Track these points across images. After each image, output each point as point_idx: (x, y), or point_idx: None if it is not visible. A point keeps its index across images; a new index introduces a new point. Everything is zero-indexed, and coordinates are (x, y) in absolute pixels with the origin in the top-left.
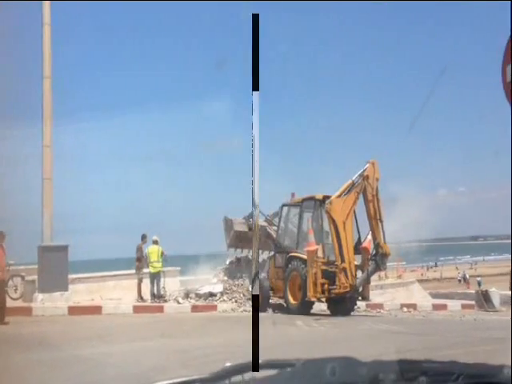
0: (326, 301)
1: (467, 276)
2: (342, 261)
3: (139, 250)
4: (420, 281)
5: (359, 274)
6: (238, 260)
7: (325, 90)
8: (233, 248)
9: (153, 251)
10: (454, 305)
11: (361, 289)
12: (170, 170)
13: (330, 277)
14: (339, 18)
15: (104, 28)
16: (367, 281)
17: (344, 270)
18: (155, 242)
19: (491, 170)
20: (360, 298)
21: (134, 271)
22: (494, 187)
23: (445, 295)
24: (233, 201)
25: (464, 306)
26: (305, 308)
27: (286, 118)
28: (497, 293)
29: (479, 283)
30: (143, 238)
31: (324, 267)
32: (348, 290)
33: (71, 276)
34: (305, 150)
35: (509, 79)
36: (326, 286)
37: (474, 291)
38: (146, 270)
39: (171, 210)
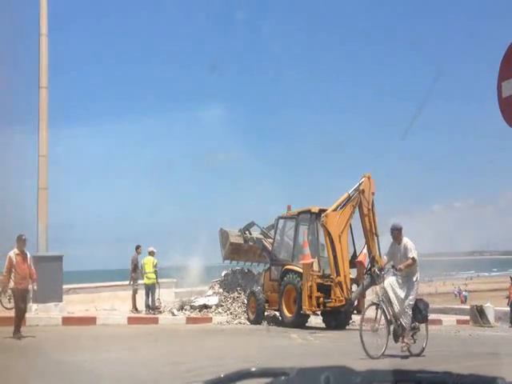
0: (322, 314)
1: (458, 291)
2: (338, 274)
3: (134, 260)
4: None
5: (354, 287)
6: (234, 272)
7: (322, 100)
8: (228, 260)
9: (148, 262)
10: (449, 320)
11: (356, 303)
12: (167, 181)
13: (326, 290)
14: (333, 23)
15: (101, 38)
16: (362, 295)
17: (339, 283)
18: (151, 253)
19: (487, 185)
20: (355, 311)
21: (128, 282)
22: (490, 202)
23: (440, 310)
24: (228, 213)
25: (459, 321)
26: (300, 321)
27: (282, 130)
28: (491, 308)
29: (465, 298)
30: (137, 248)
31: (319, 280)
32: (343, 303)
33: (66, 286)
34: (301, 163)
35: (504, 95)
36: (321, 299)
37: (469, 306)
38: (141, 281)
39: (167, 221)
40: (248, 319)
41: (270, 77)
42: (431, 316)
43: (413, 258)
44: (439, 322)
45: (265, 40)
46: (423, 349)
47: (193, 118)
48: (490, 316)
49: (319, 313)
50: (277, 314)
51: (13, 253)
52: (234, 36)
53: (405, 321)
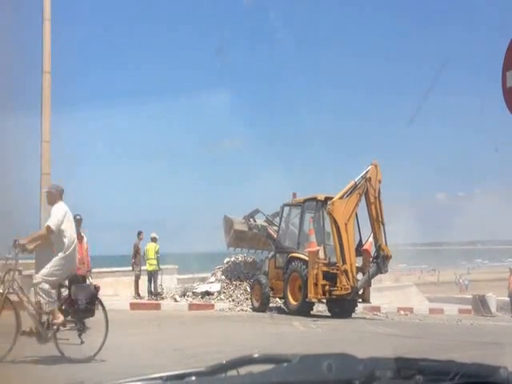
0: (327, 302)
1: (461, 280)
2: (344, 262)
3: (135, 246)
4: (417, 284)
5: (360, 276)
6: (236, 259)
7: (327, 89)
8: (232, 247)
9: (150, 248)
10: (450, 309)
11: (361, 291)
12: (171, 167)
13: (331, 278)
14: (339, 13)
15: (103, 22)
16: (368, 283)
17: (345, 271)
18: (153, 239)
19: (491, 175)
20: (360, 300)
21: (131, 268)
22: (494, 192)
23: (442, 299)
24: (233, 200)
25: (461, 311)
26: (305, 309)
27: (287, 117)
28: (493, 298)
29: (466, 286)
30: (139, 234)
31: (325, 268)
32: (349, 291)
33: None
34: (307, 149)
35: (508, 85)
36: (327, 287)
37: (471, 296)
38: (143, 267)
39: (171, 207)
40: (252, 307)
41: (277, 63)
42: (433, 305)
43: (47, 227)
44: (441, 311)
45: (272, 24)
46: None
47: (197, 103)
48: (492, 306)
49: (324, 301)
50: (279, 301)
51: None
52: (241, 20)
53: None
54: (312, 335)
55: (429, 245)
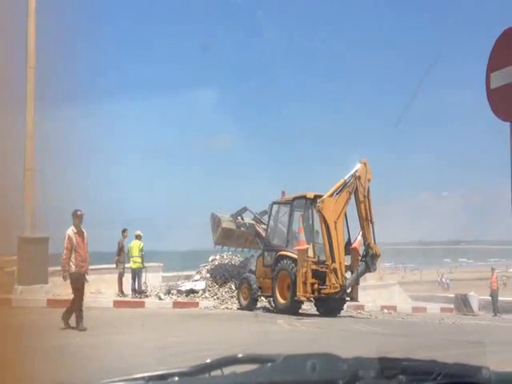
0: (315, 301)
1: (443, 279)
2: (333, 261)
3: (119, 244)
4: (401, 283)
5: (348, 274)
6: (221, 257)
7: (317, 85)
8: (220, 245)
9: (134, 246)
10: (433, 308)
11: (350, 290)
12: (157, 164)
13: (320, 277)
14: (330, 9)
15: (89, 18)
16: (356, 281)
17: (334, 270)
18: (138, 237)
19: (476, 175)
20: (349, 298)
21: (114, 265)
22: (478, 192)
23: (425, 298)
24: (220, 197)
25: (443, 310)
26: (293, 307)
27: (277, 114)
28: (475, 297)
29: (448, 285)
30: (123, 231)
31: (314, 267)
32: (338, 290)
33: (52, 269)
34: (296, 146)
35: (492, 86)
36: (316, 285)
37: (453, 295)
38: (127, 265)
39: (156, 205)
40: (239, 305)
41: (266, 61)
42: (417, 304)
43: None
44: (424, 309)
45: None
46: None
47: (185, 99)
48: (474, 305)
49: (312, 299)
50: (264, 299)
51: (71, 231)
52: (230, 15)
53: None
54: (297, 334)
55: (413, 244)
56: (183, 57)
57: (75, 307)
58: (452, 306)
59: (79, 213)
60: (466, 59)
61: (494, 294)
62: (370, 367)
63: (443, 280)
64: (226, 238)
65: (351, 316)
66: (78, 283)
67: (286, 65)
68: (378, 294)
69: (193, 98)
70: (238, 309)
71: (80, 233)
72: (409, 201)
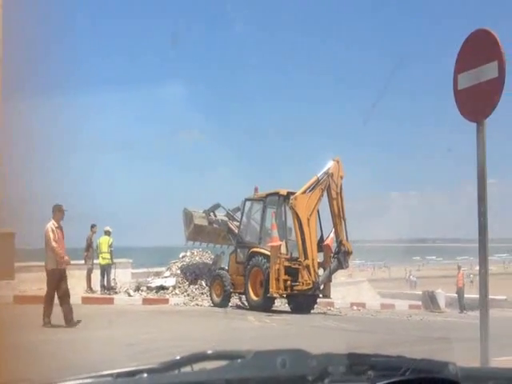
0: (287, 297)
1: (411, 277)
2: (306, 257)
3: (88, 240)
4: (370, 280)
5: (321, 271)
6: (192, 254)
7: (287, 78)
8: (191, 241)
9: (103, 242)
10: (401, 304)
11: (322, 286)
12: (126, 159)
13: (293, 273)
14: (301, 2)
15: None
16: (329, 278)
17: (307, 266)
18: (107, 233)
19: (441, 175)
20: (321, 295)
21: (83, 261)
22: (443, 191)
23: (393, 295)
24: (191, 193)
25: (411, 306)
26: (266, 304)
27: (247, 108)
28: (442, 294)
29: (415, 283)
30: (92, 227)
31: (287, 263)
32: (310, 287)
33: (18, 264)
34: (266, 142)
35: (460, 87)
36: (289, 282)
37: (420, 292)
38: (96, 261)
39: (126, 200)
40: (212, 302)
41: (234, 53)
42: (385, 301)
43: None
44: (392, 306)
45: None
46: None
47: (153, 93)
48: (441, 302)
49: (285, 296)
50: (234, 296)
51: (52, 225)
52: (197, 7)
53: None
54: (267, 330)
55: (381, 242)
56: (150, 50)
57: (50, 302)
58: (420, 302)
59: (62, 208)
60: (434, 60)
61: (459, 292)
62: (340, 363)
63: (411, 278)
64: (197, 234)
65: (321, 313)
66: (58, 279)
67: (256, 57)
68: (348, 290)
69: (160, 92)
70: (211, 306)
71: (60, 227)
72: (378, 199)
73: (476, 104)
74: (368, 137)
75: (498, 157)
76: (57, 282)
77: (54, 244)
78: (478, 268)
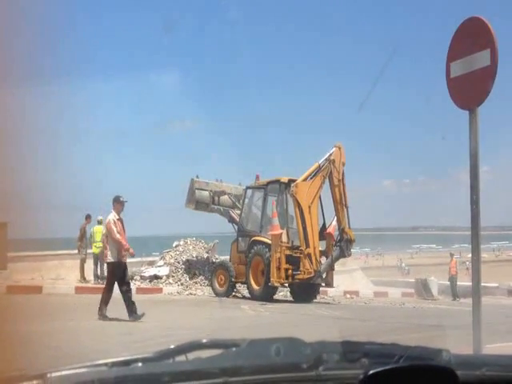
0: (289, 286)
1: (403, 265)
2: (307, 246)
3: (82, 229)
4: (363, 268)
5: (323, 260)
6: (185, 243)
7: (281, 67)
8: (190, 208)
9: (97, 231)
10: (394, 292)
11: (324, 275)
12: (120, 149)
13: (294, 262)
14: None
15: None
16: (331, 267)
17: (308, 255)
18: (100, 222)
19: (434, 164)
20: (323, 284)
21: (76, 251)
22: (436, 180)
23: (386, 283)
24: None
25: (404, 294)
26: (268, 293)
27: (240, 97)
28: (435, 282)
29: (408, 271)
30: (87, 217)
31: (288, 252)
32: (312, 275)
33: (11, 254)
34: (260, 130)
35: (452, 75)
36: (290, 271)
37: (413, 280)
38: (89, 251)
39: (119, 189)
40: (214, 292)
41: (228, 41)
42: (378, 289)
43: None
44: (385, 294)
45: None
46: None
47: (146, 83)
48: (434, 289)
49: (287, 285)
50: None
51: (113, 217)
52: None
53: None
54: (261, 319)
55: (374, 230)
56: (143, 40)
57: (108, 294)
58: (413, 290)
59: (122, 199)
60: (428, 49)
61: (452, 279)
62: (334, 351)
63: (402, 265)
64: (197, 209)
65: (315, 301)
66: (121, 272)
67: (249, 46)
68: (341, 279)
69: (153, 81)
70: (215, 295)
71: (120, 219)
72: (371, 188)
73: (468, 92)
74: (362, 125)
75: (492, 144)
76: (120, 273)
77: (117, 236)
78: (470, 255)
